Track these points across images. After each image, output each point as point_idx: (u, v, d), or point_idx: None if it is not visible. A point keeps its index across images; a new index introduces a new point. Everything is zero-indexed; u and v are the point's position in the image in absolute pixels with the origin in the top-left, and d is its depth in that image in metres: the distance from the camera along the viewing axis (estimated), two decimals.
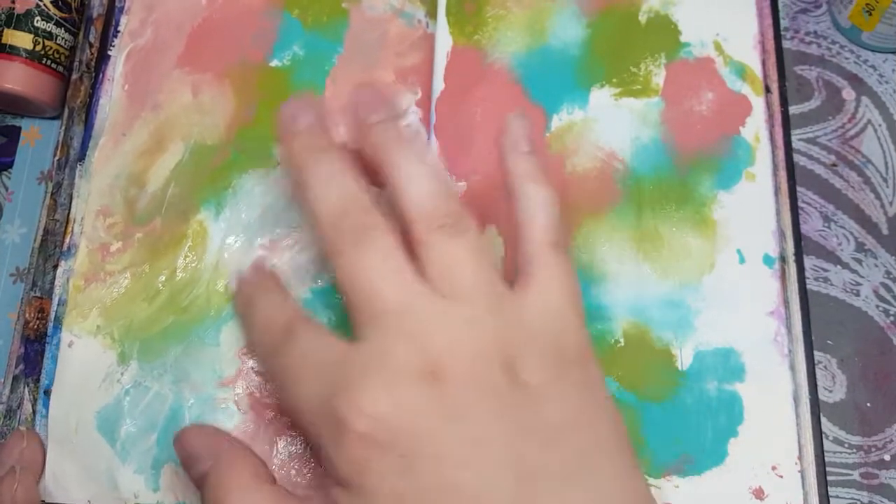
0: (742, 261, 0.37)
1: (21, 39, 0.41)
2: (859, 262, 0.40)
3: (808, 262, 0.40)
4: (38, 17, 0.41)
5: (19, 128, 0.44)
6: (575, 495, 0.25)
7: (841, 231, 0.40)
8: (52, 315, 0.37)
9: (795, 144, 0.41)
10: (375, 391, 0.25)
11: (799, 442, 0.34)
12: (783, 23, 0.43)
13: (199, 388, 0.36)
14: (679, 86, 0.39)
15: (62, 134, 0.40)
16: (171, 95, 0.40)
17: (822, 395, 0.38)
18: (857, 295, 0.39)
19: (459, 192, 0.38)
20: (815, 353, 0.37)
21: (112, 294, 0.37)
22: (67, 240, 0.38)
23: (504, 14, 0.41)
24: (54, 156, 0.40)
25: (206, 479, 0.28)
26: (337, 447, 0.25)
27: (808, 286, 0.38)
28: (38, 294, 0.38)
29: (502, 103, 0.39)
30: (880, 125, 0.42)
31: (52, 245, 0.38)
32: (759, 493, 0.34)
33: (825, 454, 0.35)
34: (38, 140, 0.44)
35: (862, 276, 0.40)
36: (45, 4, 0.41)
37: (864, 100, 0.42)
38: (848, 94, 0.42)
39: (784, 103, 0.39)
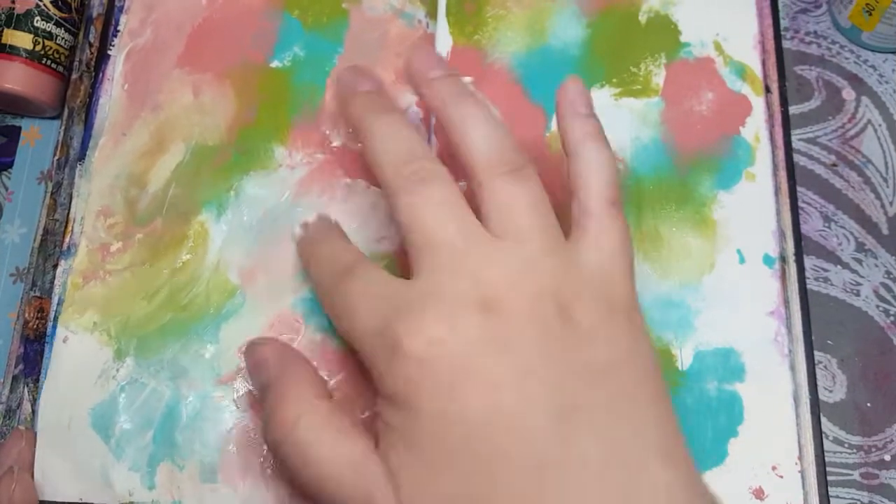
0: (742, 261, 0.37)
1: (21, 39, 0.41)
2: (859, 262, 0.40)
3: (808, 262, 0.40)
4: (38, 17, 0.41)
5: (19, 128, 0.44)
6: (613, 433, 0.25)
7: (841, 231, 0.40)
8: (52, 315, 0.37)
9: (795, 144, 0.41)
10: (432, 316, 0.26)
11: (799, 442, 0.34)
12: (783, 23, 0.43)
13: (197, 385, 0.36)
14: (679, 86, 0.39)
15: (62, 134, 0.40)
16: (172, 95, 0.40)
17: (822, 395, 0.38)
18: (858, 295, 0.39)
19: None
20: (815, 353, 0.37)
21: (110, 291, 0.37)
22: (67, 239, 0.38)
23: (504, 14, 0.41)
24: (54, 156, 0.40)
25: (268, 389, 0.30)
26: (390, 366, 0.26)
27: (808, 286, 0.38)
28: (37, 294, 0.38)
29: (502, 103, 0.39)
30: (880, 125, 0.42)
31: (51, 245, 0.38)
32: (759, 493, 0.34)
33: (825, 454, 0.35)
34: (38, 140, 0.44)
35: (862, 276, 0.40)
36: (45, 4, 0.41)
37: (864, 100, 0.42)
38: (848, 94, 0.42)
39: (784, 103, 0.39)
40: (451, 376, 0.25)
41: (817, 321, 0.38)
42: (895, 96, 0.42)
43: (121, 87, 0.41)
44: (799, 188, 0.40)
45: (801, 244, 0.37)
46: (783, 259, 0.37)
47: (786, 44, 0.43)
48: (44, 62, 0.41)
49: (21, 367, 0.37)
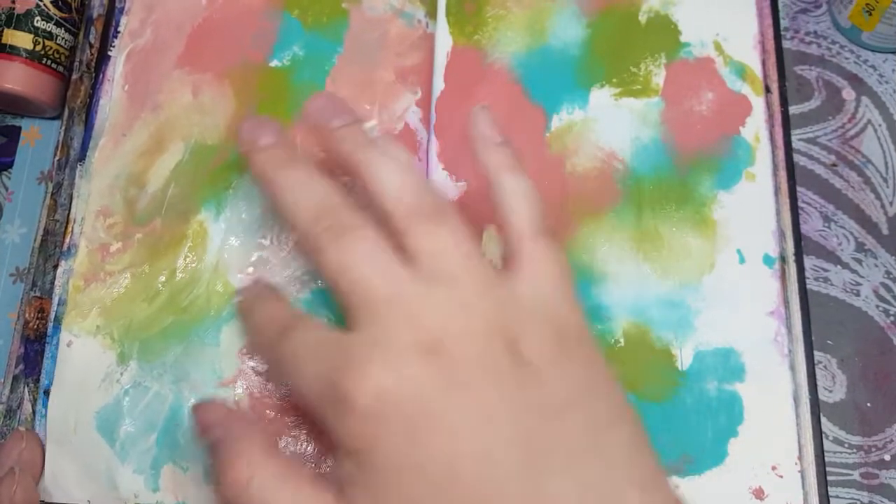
0: (742, 261, 0.37)
1: (21, 39, 0.41)
2: (859, 262, 0.40)
3: (808, 262, 0.40)
4: (38, 17, 0.41)
5: (19, 128, 0.44)
6: (584, 470, 0.25)
7: (841, 231, 0.40)
8: (52, 315, 0.37)
9: (795, 144, 0.41)
10: (378, 367, 0.25)
11: (799, 442, 0.34)
12: (783, 23, 0.43)
13: (199, 388, 0.36)
14: (679, 86, 0.39)
15: (62, 134, 0.40)
16: (172, 96, 0.40)
17: (822, 395, 0.38)
18: (857, 295, 0.39)
19: (458, 192, 0.38)
20: (815, 353, 0.37)
21: (112, 294, 0.37)
22: (67, 240, 0.38)
23: (504, 14, 0.41)
24: (54, 156, 0.40)
25: (217, 450, 0.29)
26: (342, 424, 0.25)
27: (808, 286, 0.38)
28: (37, 294, 0.38)
29: (502, 103, 0.39)
30: (880, 125, 0.42)
31: (52, 245, 0.38)
32: (759, 493, 0.34)
33: (825, 454, 0.35)
34: (38, 140, 0.44)
35: (862, 276, 0.40)
36: (45, 4, 0.41)
37: (864, 100, 0.42)
38: (848, 94, 0.42)
39: (784, 103, 0.39)
40: (407, 425, 0.25)
41: (817, 321, 0.38)
42: (895, 96, 0.42)
43: (121, 88, 0.41)
44: (799, 188, 0.40)
45: (801, 244, 0.37)
46: (783, 259, 0.37)
47: (786, 44, 0.43)
48: (44, 62, 0.41)
49: (21, 367, 0.37)
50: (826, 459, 0.35)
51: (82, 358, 0.37)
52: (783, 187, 0.38)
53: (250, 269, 0.37)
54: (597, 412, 0.26)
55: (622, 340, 0.36)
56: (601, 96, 0.39)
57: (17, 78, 0.41)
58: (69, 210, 0.39)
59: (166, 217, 0.38)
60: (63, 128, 0.40)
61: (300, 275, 0.37)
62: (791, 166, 0.38)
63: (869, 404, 0.38)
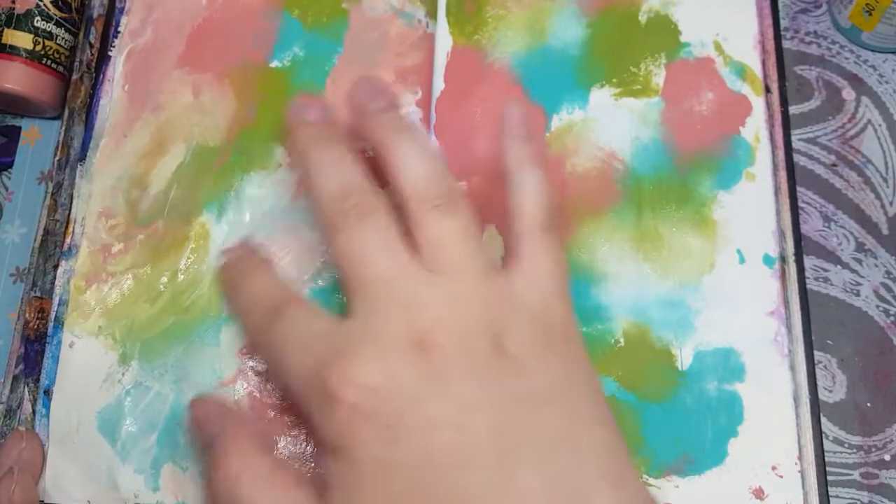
0: (742, 261, 0.37)
1: (21, 39, 0.41)
2: (859, 262, 0.40)
3: (808, 262, 0.40)
4: (38, 17, 0.41)
5: (19, 128, 0.44)
6: (557, 462, 0.25)
7: (841, 231, 0.40)
8: (53, 315, 0.37)
9: (795, 144, 0.41)
10: (364, 362, 0.25)
11: (799, 442, 0.34)
12: (783, 23, 0.43)
13: (200, 388, 0.36)
14: (679, 86, 0.39)
15: (62, 134, 0.40)
16: (172, 96, 0.40)
17: (822, 395, 0.38)
18: (857, 295, 0.39)
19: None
20: (815, 353, 0.37)
21: (113, 295, 0.37)
22: (68, 240, 0.38)
23: (504, 14, 0.41)
24: (54, 156, 0.40)
25: (210, 445, 0.29)
26: (326, 416, 0.25)
27: (808, 286, 0.38)
28: (38, 294, 0.38)
29: (502, 103, 0.39)
30: (880, 125, 0.42)
31: (52, 245, 0.38)
32: (759, 493, 0.34)
33: (825, 454, 0.35)
34: (38, 140, 0.44)
35: (862, 276, 0.40)
36: (45, 4, 0.41)
37: (864, 100, 0.42)
38: (848, 94, 0.42)
39: (784, 103, 0.39)
40: (388, 421, 0.25)
41: (817, 321, 0.38)
42: (895, 96, 0.42)
43: (121, 88, 0.41)
44: (799, 188, 0.40)
45: (801, 244, 0.37)
46: (783, 259, 0.37)
47: (786, 44, 0.43)
48: (44, 62, 0.41)
49: (21, 367, 0.37)
50: (826, 459, 0.35)
51: (84, 358, 0.37)
52: (783, 187, 0.38)
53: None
54: (575, 409, 0.27)
55: (622, 340, 0.36)
56: (601, 96, 0.39)
57: (17, 78, 0.41)
58: (69, 210, 0.39)
59: (168, 218, 0.38)
60: (63, 128, 0.40)
61: (306, 279, 0.37)
62: (791, 166, 0.38)
63: (869, 404, 0.38)
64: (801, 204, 0.40)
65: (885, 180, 0.41)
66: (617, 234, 0.37)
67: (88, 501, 0.35)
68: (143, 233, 0.38)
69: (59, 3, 0.42)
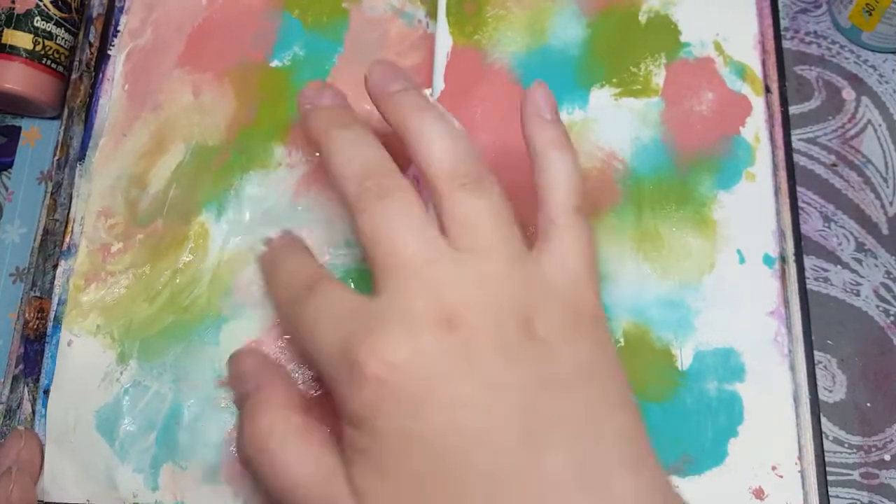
0: (742, 261, 0.37)
1: (21, 39, 0.41)
2: (859, 262, 0.40)
3: (808, 262, 0.40)
4: (38, 17, 0.41)
5: (19, 128, 0.44)
6: (580, 443, 0.25)
7: (841, 231, 0.40)
8: (52, 315, 0.37)
9: (795, 144, 0.41)
10: (393, 337, 0.25)
11: (799, 442, 0.34)
12: (783, 23, 0.43)
13: (199, 387, 0.36)
14: (679, 86, 0.39)
15: (62, 134, 0.40)
16: (172, 95, 0.40)
17: (822, 395, 0.38)
18: (857, 295, 0.39)
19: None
20: (815, 353, 0.37)
21: (112, 294, 0.37)
22: (67, 239, 0.38)
23: (504, 14, 0.41)
24: (54, 156, 0.40)
25: (246, 399, 0.29)
26: (351, 389, 0.25)
27: (808, 286, 0.38)
28: (37, 294, 0.38)
29: (502, 103, 0.39)
30: (880, 125, 0.42)
31: (51, 245, 0.38)
32: (759, 493, 0.34)
33: (825, 454, 0.35)
34: (38, 140, 0.44)
35: (862, 276, 0.40)
36: (45, 4, 0.41)
37: (864, 100, 0.42)
38: (848, 94, 0.42)
39: (784, 103, 0.39)
40: (414, 397, 0.25)
41: (817, 321, 0.38)
42: (895, 96, 0.42)
43: (121, 88, 0.41)
44: (799, 188, 0.40)
45: (801, 244, 0.37)
46: (783, 259, 0.37)
47: (786, 44, 0.43)
48: (44, 62, 0.41)
49: (21, 367, 0.37)
50: (826, 459, 0.35)
51: (82, 357, 0.37)
52: (783, 187, 0.38)
53: (251, 270, 0.37)
54: (601, 393, 0.26)
55: (622, 340, 0.36)
56: (601, 96, 0.39)
57: (17, 78, 0.41)
58: (69, 209, 0.39)
59: (167, 218, 0.38)
60: (62, 127, 0.40)
61: None
62: (791, 166, 0.38)
63: (869, 404, 0.38)
64: (801, 204, 0.40)
65: (885, 180, 0.41)
66: (617, 234, 0.37)
67: (88, 500, 0.35)
68: (143, 232, 0.38)
69: (59, 2, 0.42)
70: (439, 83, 0.39)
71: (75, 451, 0.35)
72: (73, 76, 0.41)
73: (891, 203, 0.41)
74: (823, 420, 0.37)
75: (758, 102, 0.39)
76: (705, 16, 0.40)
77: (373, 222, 0.28)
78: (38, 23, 0.41)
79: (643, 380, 0.35)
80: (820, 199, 0.41)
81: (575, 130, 0.39)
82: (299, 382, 0.35)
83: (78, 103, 0.41)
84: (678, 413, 0.35)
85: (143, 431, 0.35)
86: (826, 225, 0.40)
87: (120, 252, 0.38)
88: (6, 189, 0.43)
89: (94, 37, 0.42)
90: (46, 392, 0.36)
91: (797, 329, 0.36)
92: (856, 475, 0.37)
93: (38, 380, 0.37)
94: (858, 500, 0.37)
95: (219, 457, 0.35)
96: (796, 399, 0.35)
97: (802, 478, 0.34)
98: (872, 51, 0.43)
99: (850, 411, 0.38)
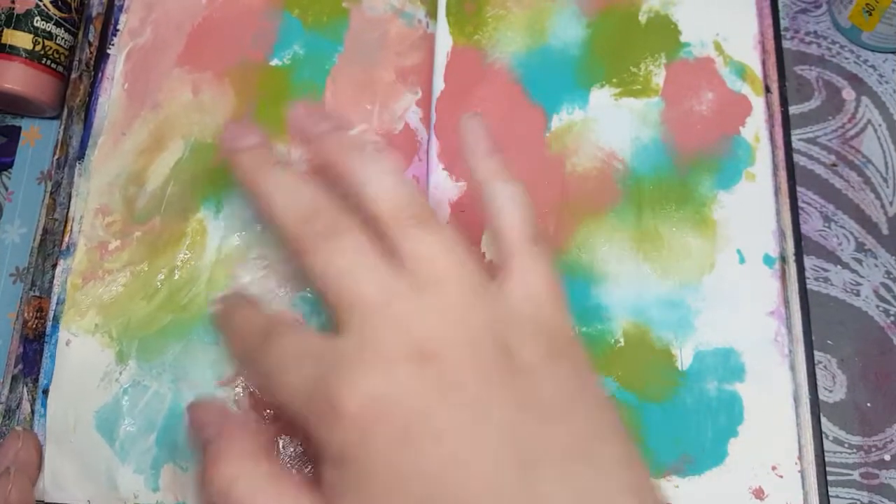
0: (742, 261, 0.37)
1: (21, 39, 0.41)
2: (859, 262, 0.40)
3: (808, 262, 0.40)
4: (37, 17, 0.41)
5: (19, 128, 0.44)
6: (578, 476, 0.24)
7: (841, 231, 0.40)
8: (51, 314, 0.37)
9: (795, 144, 0.41)
10: (369, 373, 0.25)
11: (799, 442, 0.34)
12: (783, 23, 0.43)
13: (199, 386, 0.36)
14: (679, 86, 0.39)
15: (61, 133, 0.40)
16: (171, 94, 0.40)
17: (822, 395, 0.38)
18: (858, 295, 0.39)
19: (458, 192, 0.38)
20: (815, 353, 0.37)
21: (110, 292, 0.37)
22: (66, 239, 0.38)
23: (504, 14, 0.41)
24: (54, 155, 0.40)
25: (207, 447, 0.28)
26: (332, 430, 0.25)
27: (808, 286, 0.38)
28: (37, 293, 0.38)
29: (502, 103, 0.39)
30: (880, 125, 0.42)
31: (51, 244, 0.38)
32: (759, 493, 0.34)
33: (825, 454, 0.35)
34: (38, 140, 0.44)
35: (862, 276, 0.40)
36: (44, 4, 0.41)
37: (864, 100, 0.42)
38: (848, 94, 0.42)
39: (784, 103, 0.39)
40: (400, 429, 0.24)
41: (817, 321, 0.38)
42: (895, 96, 0.42)
43: (120, 87, 0.41)
44: (799, 188, 0.40)
45: (801, 244, 0.37)
46: (783, 259, 0.37)
47: (786, 44, 0.43)
48: (44, 62, 0.41)
49: (20, 366, 0.37)
50: (826, 459, 0.35)
51: (81, 356, 0.36)
52: (783, 187, 0.38)
53: (250, 266, 0.37)
54: (592, 419, 0.26)
55: (622, 340, 0.36)
56: (601, 96, 0.39)
57: (16, 78, 0.41)
58: (68, 209, 0.39)
59: (166, 215, 0.38)
60: (62, 126, 0.40)
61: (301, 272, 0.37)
62: (791, 166, 0.38)
63: (869, 404, 0.38)
64: (801, 204, 0.40)
65: (885, 180, 0.41)
66: (617, 234, 0.37)
67: (88, 501, 0.35)
68: (141, 230, 0.38)
69: (59, 2, 0.42)
70: (439, 83, 0.39)
71: (75, 451, 0.35)
72: (73, 76, 0.41)
73: (891, 203, 0.41)
74: (823, 420, 0.37)
75: (758, 102, 0.39)
76: (705, 16, 0.40)
77: (326, 264, 0.27)
78: (38, 23, 0.41)
79: (643, 380, 0.35)
80: (820, 199, 0.41)
81: (575, 130, 0.39)
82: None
83: (77, 103, 0.41)
84: (678, 413, 0.35)
85: (143, 432, 0.35)
86: (826, 225, 0.40)
87: (118, 250, 0.38)
88: (6, 189, 0.43)
89: (93, 36, 0.42)
90: (45, 392, 0.36)
91: (797, 329, 0.36)
92: (856, 475, 0.37)
93: (37, 380, 0.37)
94: (858, 500, 0.37)
95: None
96: (796, 399, 0.35)
97: (802, 478, 0.34)
98: (872, 51, 0.43)
99: (850, 411, 0.38)
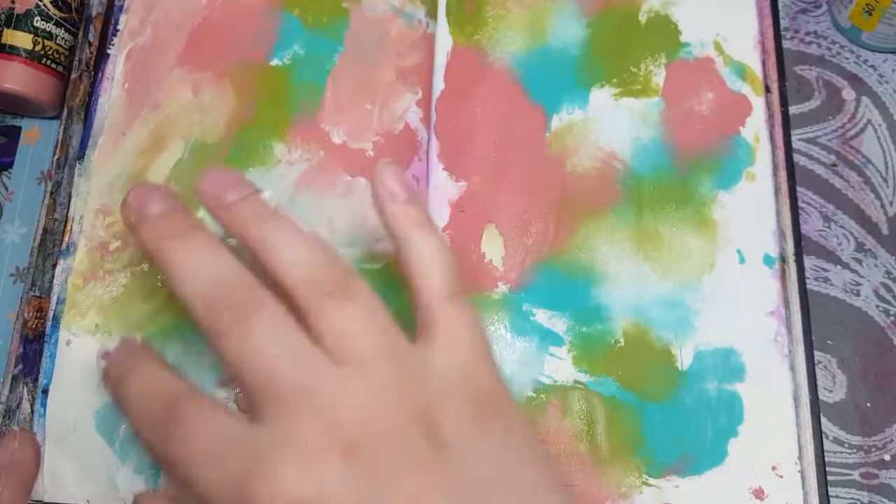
0: (742, 261, 0.37)
1: (21, 39, 0.41)
2: (859, 262, 0.40)
3: (808, 262, 0.40)
4: (37, 17, 0.41)
5: (19, 128, 0.44)
6: None
7: (841, 231, 0.40)
8: (51, 314, 0.37)
9: (795, 144, 0.41)
10: (292, 471, 0.23)
11: (799, 442, 0.34)
12: (783, 23, 0.43)
13: (199, 387, 0.35)
14: (679, 86, 0.39)
15: (61, 133, 0.40)
16: (171, 94, 0.40)
17: (822, 395, 0.38)
18: (857, 295, 0.39)
19: (458, 192, 0.38)
20: (815, 353, 0.37)
21: (111, 293, 0.37)
22: (66, 238, 0.38)
23: (504, 14, 0.41)
24: (54, 155, 0.40)
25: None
26: None
27: (808, 286, 0.38)
28: (37, 293, 0.38)
29: (502, 103, 0.39)
30: (880, 125, 0.42)
31: (51, 244, 0.38)
32: (759, 493, 0.34)
33: (825, 454, 0.35)
34: (38, 140, 0.44)
35: (862, 276, 0.40)
36: (44, 4, 0.41)
37: (864, 100, 0.42)
38: (848, 94, 0.42)
39: (784, 103, 0.39)
40: None
41: (817, 321, 0.38)
42: (895, 96, 0.42)
43: (121, 87, 0.41)
44: (799, 188, 0.40)
45: (801, 244, 0.37)
46: (783, 259, 0.37)
47: (786, 44, 0.43)
48: (44, 62, 0.41)
49: (20, 366, 0.37)
50: (826, 459, 0.35)
51: (81, 357, 0.36)
52: (783, 187, 0.38)
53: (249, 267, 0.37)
54: (526, 483, 0.25)
55: (622, 340, 0.36)
56: (601, 96, 0.39)
57: (16, 78, 0.41)
58: (68, 209, 0.39)
59: None
60: (62, 126, 0.40)
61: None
62: (791, 166, 0.38)
63: (869, 404, 0.38)
64: (801, 204, 0.40)
65: (885, 180, 0.41)
66: (617, 234, 0.37)
67: (88, 501, 0.35)
68: None
69: (59, 2, 0.42)
70: (439, 83, 0.39)
71: (75, 451, 0.35)
72: (73, 76, 0.41)
73: (891, 203, 0.41)
74: (823, 420, 0.37)
75: (758, 102, 0.39)
76: (705, 16, 0.40)
77: (240, 348, 0.25)
78: (38, 23, 0.41)
79: (643, 380, 0.35)
80: (820, 199, 0.41)
81: (575, 130, 0.39)
82: None
83: (77, 103, 0.41)
84: (678, 413, 0.35)
85: None
86: (826, 225, 0.40)
87: (118, 250, 0.38)
88: (6, 189, 0.43)
89: (93, 36, 0.42)
90: (45, 392, 0.36)
91: (797, 329, 0.36)
92: (856, 475, 0.37)
93: (36, 380, 0.37)
94: (858, 500, 0.37)
95: None
96: (796, 399, 0.35)
97: (802, 478, 0.34)
98: (872, 51, 0.43)
99: (850, 411, 0.38)
